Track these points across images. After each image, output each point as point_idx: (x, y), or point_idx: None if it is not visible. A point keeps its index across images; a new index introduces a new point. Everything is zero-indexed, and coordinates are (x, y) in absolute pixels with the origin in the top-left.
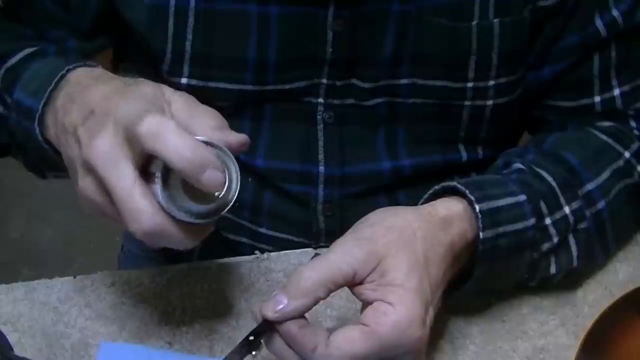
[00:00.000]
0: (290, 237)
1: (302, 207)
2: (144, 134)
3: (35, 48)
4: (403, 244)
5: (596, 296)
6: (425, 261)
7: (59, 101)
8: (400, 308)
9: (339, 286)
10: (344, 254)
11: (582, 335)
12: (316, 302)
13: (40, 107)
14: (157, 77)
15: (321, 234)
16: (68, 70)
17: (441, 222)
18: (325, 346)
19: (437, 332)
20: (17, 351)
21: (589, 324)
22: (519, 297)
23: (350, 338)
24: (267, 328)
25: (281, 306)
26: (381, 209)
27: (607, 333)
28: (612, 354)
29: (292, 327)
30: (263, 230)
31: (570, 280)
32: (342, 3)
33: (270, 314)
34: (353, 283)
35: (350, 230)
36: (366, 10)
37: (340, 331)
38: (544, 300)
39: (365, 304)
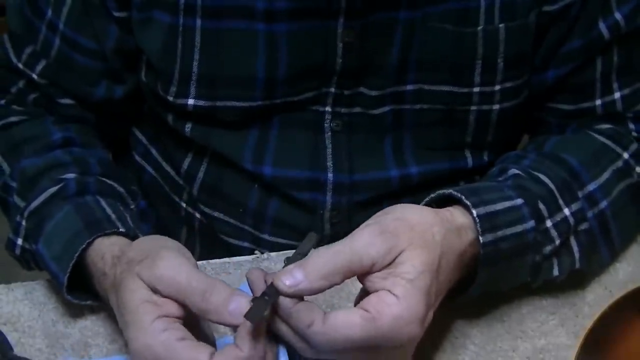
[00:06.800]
0: (293, 243)
1: (308, 214)
2: None
3: (56, 188)
4: (423, 243)
5: (596, 296)
6: (438, 267)
7: (94, 272)
8: (404, 303)
9: (355, 274)
10: (367, 244)
11: (582, 335)
12: (330, 287)
13: (66, 280)
14: (165, 108)
15: (325, 240)
16: (88, 244)
17: (457, 229)
18: (322, 323)
19: (437, 332)
20: (17, 351)
21: (589, 324)
22: (518, 297)
23: (349, 321)
24: (272, 293)
25: (296, 282)
26: (403, 204)
27: (607, 333)
28: (612, 354)
29: (288, 301)
30: (265, 236)
31: (570, 280)
32: (352, 14)
33: (284, 287)
34: (367, 272)
35: (374, 219)
36: (375, 20)
37: (340, 312)
38: (544, 300)
39: (371, 290)
